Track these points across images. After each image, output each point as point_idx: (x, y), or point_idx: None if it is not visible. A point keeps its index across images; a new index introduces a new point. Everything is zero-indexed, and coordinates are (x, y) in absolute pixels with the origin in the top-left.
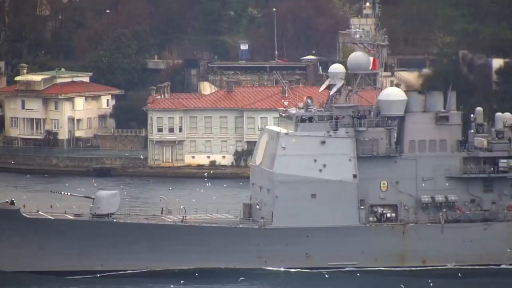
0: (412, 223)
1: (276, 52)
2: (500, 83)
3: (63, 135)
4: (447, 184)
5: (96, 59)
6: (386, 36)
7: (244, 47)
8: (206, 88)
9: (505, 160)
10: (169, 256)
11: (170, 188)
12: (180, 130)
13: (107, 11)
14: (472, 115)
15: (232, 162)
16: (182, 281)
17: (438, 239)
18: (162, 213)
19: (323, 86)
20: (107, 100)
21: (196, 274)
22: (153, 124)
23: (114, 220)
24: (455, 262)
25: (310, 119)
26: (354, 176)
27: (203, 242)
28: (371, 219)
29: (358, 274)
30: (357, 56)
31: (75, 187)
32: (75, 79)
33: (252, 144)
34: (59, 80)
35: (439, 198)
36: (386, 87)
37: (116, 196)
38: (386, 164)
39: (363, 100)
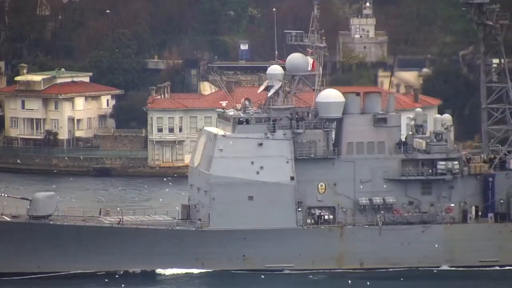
0: (350, 225)
1: (276, 52)
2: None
3: (63, 135)
4: (385, 186)
5: (96, 59)
6: (324, 38)
7: (244, 47)
8: (206, 88)
9: (443, 162)
10: (106, 258)
11: (167, 190)
12: (180, 130)
13: (107, 11)
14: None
15: None
16: (123, 285)
17: (376, 241)
18: (100, 214)
19: (261, 88)
20: (107, 100)
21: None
22: (153, 124)
23: (51, 222)
24: (393, 264)
25: (248, 121)
26: (292, 178)
27: (140, 244)
28: (308, 221)
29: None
30: (295, 58)
31: (12, 188)
32: (75, 79)
33: None
34: (59, 80)
35: (377, 200)
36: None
37: (53, 198)
38: (323, 166)
39: (301, 102)
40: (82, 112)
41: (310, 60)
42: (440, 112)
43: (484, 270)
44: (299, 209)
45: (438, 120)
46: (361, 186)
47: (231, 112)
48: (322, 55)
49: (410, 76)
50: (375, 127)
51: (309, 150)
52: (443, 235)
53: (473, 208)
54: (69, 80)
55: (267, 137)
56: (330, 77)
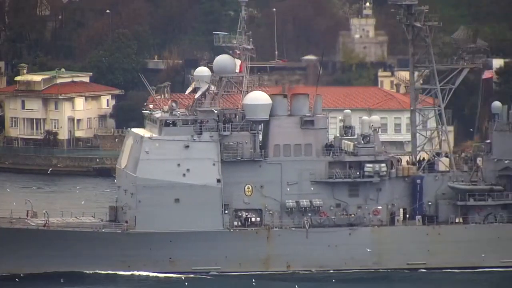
0: (277, 227)
1: (276, 52)
2: (500, 83)
3: (63, 135)
4: (312, 188)
5: (96, 59)
6: (251, 39)
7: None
8: None
9: (370, 165)
10: (32, 260)
11: None
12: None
13: (107, 11)
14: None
15: None
16: None
17: (303, 243)
18: (27, 216)
19: (189, 89)
20: (107, 100)
21: (61, 280)
22: None
23: None
24: (320, 267)
25: (174, 123)
26: (218, 180)
27: (66, 247)
28: (235, 223)
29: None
30: (223, 59)
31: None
32: (75, 79)
33: None
34: (59, 80)
35: (304, 202)
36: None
37: None
38: (250, 169)
39: (229, 104)
40: (82, 112)
41: (238, 61)
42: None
43: (411, 272)
44: (226, 212)
45: (365, 122)
46: (288, 189)
47: (158, 114)
48: (249, 56)
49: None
50: (302, 129)
51: (235, 152)
52: (370, 238)
53: (401, 210)
54: (69, 80)
55: (194, 140)
56: (330, 77)
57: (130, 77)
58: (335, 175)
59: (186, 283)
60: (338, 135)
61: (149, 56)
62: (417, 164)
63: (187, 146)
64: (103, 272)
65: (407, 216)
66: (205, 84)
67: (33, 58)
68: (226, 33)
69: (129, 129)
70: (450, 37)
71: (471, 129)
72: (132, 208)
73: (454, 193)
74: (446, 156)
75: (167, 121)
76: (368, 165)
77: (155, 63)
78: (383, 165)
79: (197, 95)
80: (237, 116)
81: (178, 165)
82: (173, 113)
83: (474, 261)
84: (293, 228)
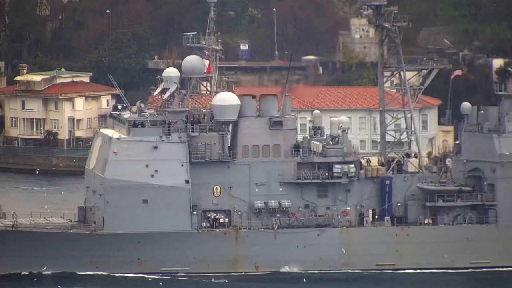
0: (245, 228)
1: (276, 52)
2: (500, 83)
3: (63, 135)
4: (280, 189)
5: (96, 59)
6: (220, 40)
7: (244, 47)
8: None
9: (339, 166)
10: (2, 260)
11: None
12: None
13: (107, 11)
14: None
15: None
16: None
17: (271, 244)
18: None
19: (157, 90)
20: (107, 100)
21: (35, 279)
22: None
23: None
24: (287, 268)
25: (143, 124)
26: (187, 181)
27: (35, 248)
28: (204, 224)
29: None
30: (191, 60)
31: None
32: (75, 79)
33: None
34: (59, 80)
35: (273, 203)
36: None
37: None
38: (219, 169)
39: (198, 104)
40: (82, 112)
41: (206, 62)
42: (441, 112)
43: (381, 273)
44: (194, 213)
45: (334, 123)
46: (257, 190)
47: (126, 115)
48: (217, 57)
49: (410, 76)
50: (271, 130)
51: (204, 153)
52: (339, 239)
53: (370, 211)
54: (69, 80)
55: (162, 140)
56: (330, 77)
57: (130, 77)
58: (304, 176)
59: (161, 283)
60: (306, 136)
61: (149, 56)
62: (386, 165)
63: (156, 147)
64: (69, 271)
65: (376, 217)
66: (173, 85)
67: (33, 58)
68: (195, 33)
69: (99, 129)
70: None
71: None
72: (100, 209)
73: (423, 194)
74: (416, 157)
75: (136, 122)
76: (336, 166)
77: (155, 63)
78: (351, 166)
79: (165, 96)
80: (205, 117)
81: (147, 166)
82: (142, 114)
83: (443, 262)
84: (262, 229)
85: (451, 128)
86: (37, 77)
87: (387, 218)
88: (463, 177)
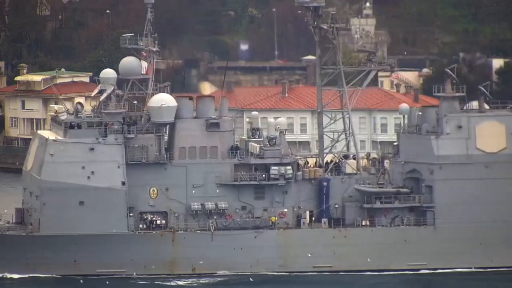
0: (182, 230)
1: (276, 52)
2: (500, 83)
3: None
4: (217, 191)
5: (96, 59)
6: (157, 41)
7: (244, 47)
8: (206, 88)
9: (276, 167)
10: None
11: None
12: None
13: (107, 11)
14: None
15: None
16: None
17: (208, 246)
18: None
19: (95, 91)
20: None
21: None
22: None
23: None
24: (225, 269)
25: (79, 126)
26: (123, 183)
27: None
28: (140, 226)
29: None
30: (128, 61)
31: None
32: (75, 79)
33: None
34: (59, 80)
35: (209, 205)
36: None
37: None
38: (156, 171)
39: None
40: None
41: (144, 63)
42: None
43: (318, 275)
44: (131, 214)
45: (271, 124)
46: (194, 191)
47: (63, 116)
48: (154, 58)
49: (410, 76)
50: (208, 131)
51: (140, 155)
52: (276, 240)
53: (307, 213)
54: (69, 80)
55: (99, 142)
56: (330, 76)
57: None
58: (241, 178)
59: (107, 282)
60: (243, 137)
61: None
62: (324, 166)
63: (92, 149)
64: (7, 275)
65: (314, 218)
66: (110, 86)
67: (33, 58)
68: (132, 34)
69: (36, 131)
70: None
71: None
72: (37, 210)
73: (361, 196)
74: (354, 158)
75: (72, 124)
76: (273, 167)
77: (155, 63)
78: (288, 167)
79: (102, 97)
80: (142, 119)
81: (83, 167)
82: (79, 115)
83: (381, 264)
84: (198, 231)
85: None
86: (37, 77)
87: (324, 219)
88: (401, 179)
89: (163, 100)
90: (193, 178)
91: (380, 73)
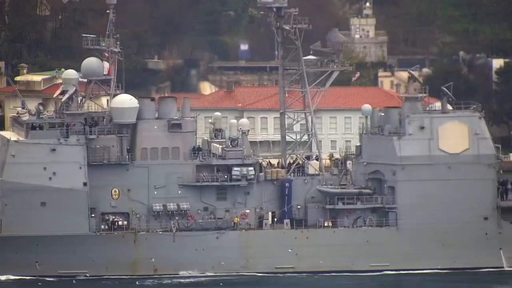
0: (144, 231)
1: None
2: (500, 83)
3: None
4: (179, 192)
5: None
6: (118, 42)
7: (244, 47)
8: (206, 88)
9: (238, 168)
10: None
11: None
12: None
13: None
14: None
15: None
16: None
17: (170, 247)
18: None
19: (57, 92)
20: (107, 100)
21: None
22: None
23: None
24: (187, 270)
25: (41, 126)
26: (85, 184)
27: None
28: (102, 227)
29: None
30: (90, 62)
31: None
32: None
33: (253, 144)
34: (59, 80)
35: (171, 206)
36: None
37: None
38: (117, 172)
39: (97, 107)
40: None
41: (106, 64)
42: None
43: (280, 276)
44: (92, 215)
45: (234, 125)
46: (155, 192)
47: (25, 117)
48: (116, 59)
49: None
50: (170, 132)
51: (102, 155)
52: (238, 241)
53: (270, 214)
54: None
55: (60, 143)
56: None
57: (130, 77)
58: (203, 179)
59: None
60: (205, 138)
61: (149, 56)
62: (286, 167)
63: (54, 150)
64: None
65: (276, 219)
66: (72, 87)
67: (33, 58)
68: (94, 35)
69: None
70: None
71: None
72: None
73: (323, 197)
74: (317, 159)
75: (34, 124)
76: (235, 168)
77: (155, 63)
78: (250, 168)
79: (64, 98)
80: (104, 120)
81: (45, 168)
82: (40, 116)
83: (343, 265)
84: (160, 232)
85: None
86: (37, 77)
87: (286, 220)
88: (364, 180)
89: (124, 101)
90: (155, 179)
91: (380, 73)
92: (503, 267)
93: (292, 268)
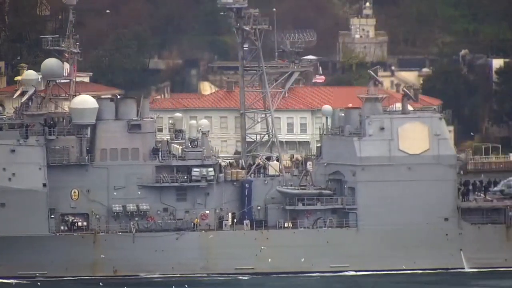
0: (103, 232)
1: (277, 52)
2: (500, 83)
3: None
4: (139, 193)
5: (96, 59)
6: (78, 43)
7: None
8: (206, 88)
9: (197, 169)
10: None
11: None
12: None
13: (107, 11)
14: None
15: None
16: None
17: (130, 248)
18: None
19: (17, 93)
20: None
21: None
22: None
23: None
24: (147, 271)
25: (0, 127)
26: (44, 185)
27: None
28: (62, 228)
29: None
30: (50, 63)
31: None
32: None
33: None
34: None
35: (131, 207)
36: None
37: None
38: (77, 173)
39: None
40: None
41: (66, 65)
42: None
43: (240, 278)
44: (52, 216)
45: (193, 126)
46: (115, 193)
47: None
48: (76, 60)
49: (410, 76)
50: (129, 133)
51: (62, 156)
52: (198, 242)
53: (230, 215)
54: (69, 80)
55: (20, 144)
56: (330, 77)
57: (130, 77)
58: (162, 180)
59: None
60: (165, 139)
61: (149, 56)
62: (246, 168)
63: (13, 151)
64: None
65: (236, 220)
66: (31, 87)
67: (33, 58)
68: (56, 36)
69: None
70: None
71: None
72: None
73: (283, 198)
74: (277, 160)
75: None
76: (195, 169)
77: (155, 63)
78: (210, 169)
79: (23, 99)
80: (64, 120)
81: (4, 169)
82: (0, 117)
83: (303, 266)
84: (120, 233)
85: (450, 128)
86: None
87: (246, 221)
88: (324, 181)
89: (84, 101)
90: (114, 180)
91: (380, 73)
92: (463, 268)
93: (252, 269)
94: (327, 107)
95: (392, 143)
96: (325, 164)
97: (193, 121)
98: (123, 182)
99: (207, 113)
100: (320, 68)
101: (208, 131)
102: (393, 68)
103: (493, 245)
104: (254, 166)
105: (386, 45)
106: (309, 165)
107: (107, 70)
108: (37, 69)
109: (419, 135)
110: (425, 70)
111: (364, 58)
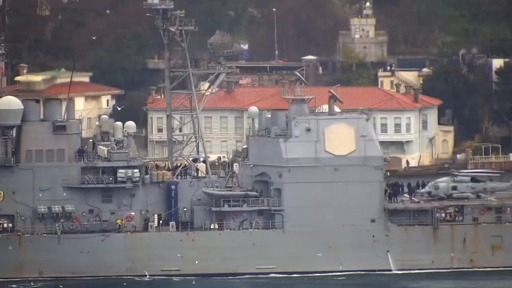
0: (29, 233)
1: (276, 52)
2: (500, 83)
3: None
4: (65, 194)
5: (96, 59)
6: (3, 44)
7: (244, 47)
8: (206, 88)
9: (123, 170)
10: None
11: None
12: (180, 130)
13: (107, 11)
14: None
15: None
16: None
17: (55, 250)
18: None
19: None
20: (107, 100)
21: None
22: (153, 124)
23: None
24: (73, 273)
25: None
26: None
27: None
28: None
29: None
30: None
31: None
32: (75, 79)
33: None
34: (59, 80)
35: (56, 208)
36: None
37: None
38: (2, 174)
39: None
40: (82, 112)
41: None
42: (440, 111)
43: (166, 279)
44: None
45: (119, 127)
46: (41, 194)
47: None
48: (2, 61)
49: (410, 76)
50: (55, 134)
51: None
52: (124, 244)
53: (156, 216)
54: (69, 80)
55: None
56: (330, 77)
57: (130, 77)
58: (88, 181)
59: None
60: (90, 140)
61: (149, 56)
62: (172, 169)
63: None
64: None
65: (162, 222)
66: None
67: (33, 58)
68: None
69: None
70: (207, 41)
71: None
72: None
73: (209, 199)
74: (204, 162)
75: None
76: (120, 170)
77: (155, 63)
78: (136, 170)
79: None
80: None
81: None
82: None
83: (229, 267)
84: (45, 234)
85: (450, 128)
86: (37, 77)
87: (172, 223)
88: (251, 182)
89: (8, 102)
90: (40, 181)
91: (380, 73)
92: (391, 270)
93: (178, 270)
94: (253, 109)
95: (318, 144)
96: (252, 165)
97: (119, 123)
98: (49, 183)
99: (207, 113)
100: (320, 68)
101: (135, 132)
102: (393, 68)
103: (420, 246)
104: (180, 168)
105: (386, 45)
106: (236, 166)
107: (107, 70)
108: (36, 69)
109: (346, 136)
110: (425, 70)
111: (364, 58)
